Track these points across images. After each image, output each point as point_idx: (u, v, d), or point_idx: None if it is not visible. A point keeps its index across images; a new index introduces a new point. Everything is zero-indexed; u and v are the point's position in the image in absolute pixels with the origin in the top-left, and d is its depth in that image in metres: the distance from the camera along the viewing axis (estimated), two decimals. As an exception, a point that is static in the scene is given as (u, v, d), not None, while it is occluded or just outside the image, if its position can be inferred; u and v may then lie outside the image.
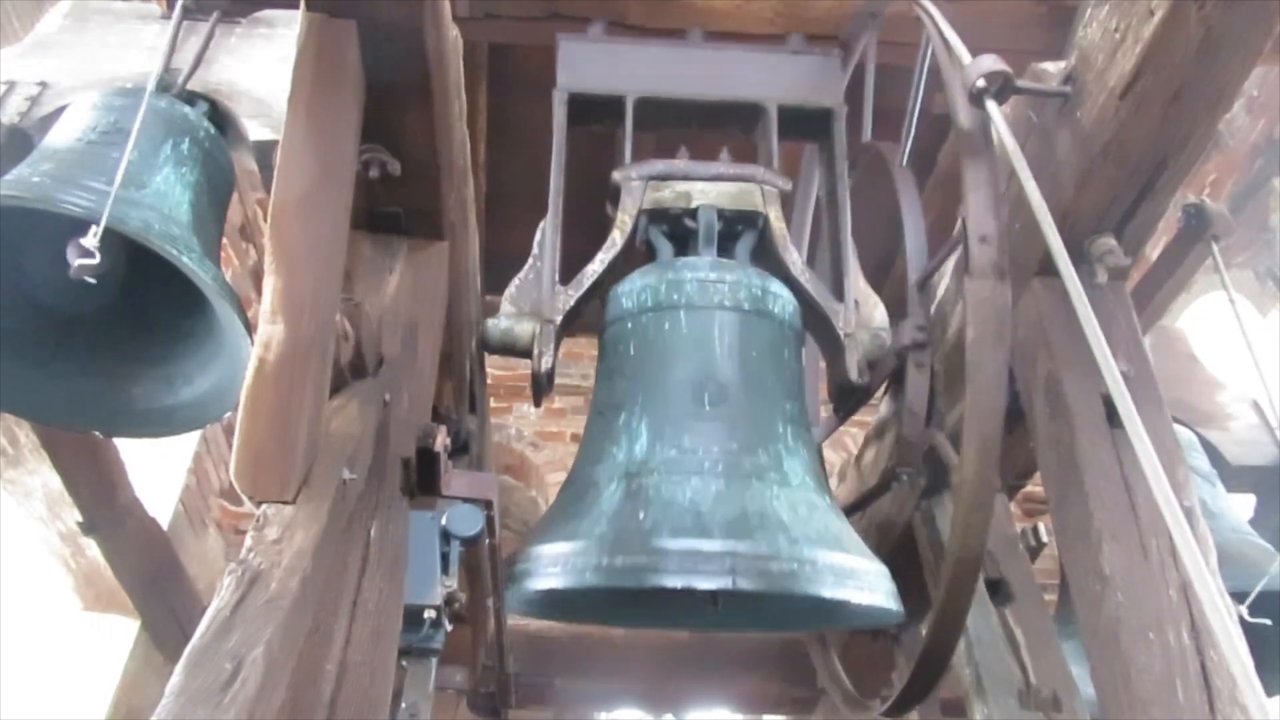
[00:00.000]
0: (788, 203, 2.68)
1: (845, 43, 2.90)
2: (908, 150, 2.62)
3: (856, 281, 2.54)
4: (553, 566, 1.96)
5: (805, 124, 2.76)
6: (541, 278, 2.45)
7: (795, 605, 2.22)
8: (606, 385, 2.32)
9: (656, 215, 2.54)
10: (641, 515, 1.97)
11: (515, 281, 2.46)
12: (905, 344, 2.39)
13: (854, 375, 2.38)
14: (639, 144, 2.64)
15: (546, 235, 2.50)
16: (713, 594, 2.00)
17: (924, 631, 2.09)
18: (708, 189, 2.54)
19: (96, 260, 1.71)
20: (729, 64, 2.79)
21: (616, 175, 2.56)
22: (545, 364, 2.33)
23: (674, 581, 1.86)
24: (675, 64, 2.78)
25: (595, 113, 2.72)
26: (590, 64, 2.74)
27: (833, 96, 2.77)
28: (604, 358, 2.38)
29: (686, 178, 2.55)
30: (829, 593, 1.89)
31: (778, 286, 2.38)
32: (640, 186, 2.54)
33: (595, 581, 1.91)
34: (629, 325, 2.32)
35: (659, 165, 2.57)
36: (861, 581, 1.94)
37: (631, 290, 2.36)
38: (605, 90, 2.70)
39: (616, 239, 2.50)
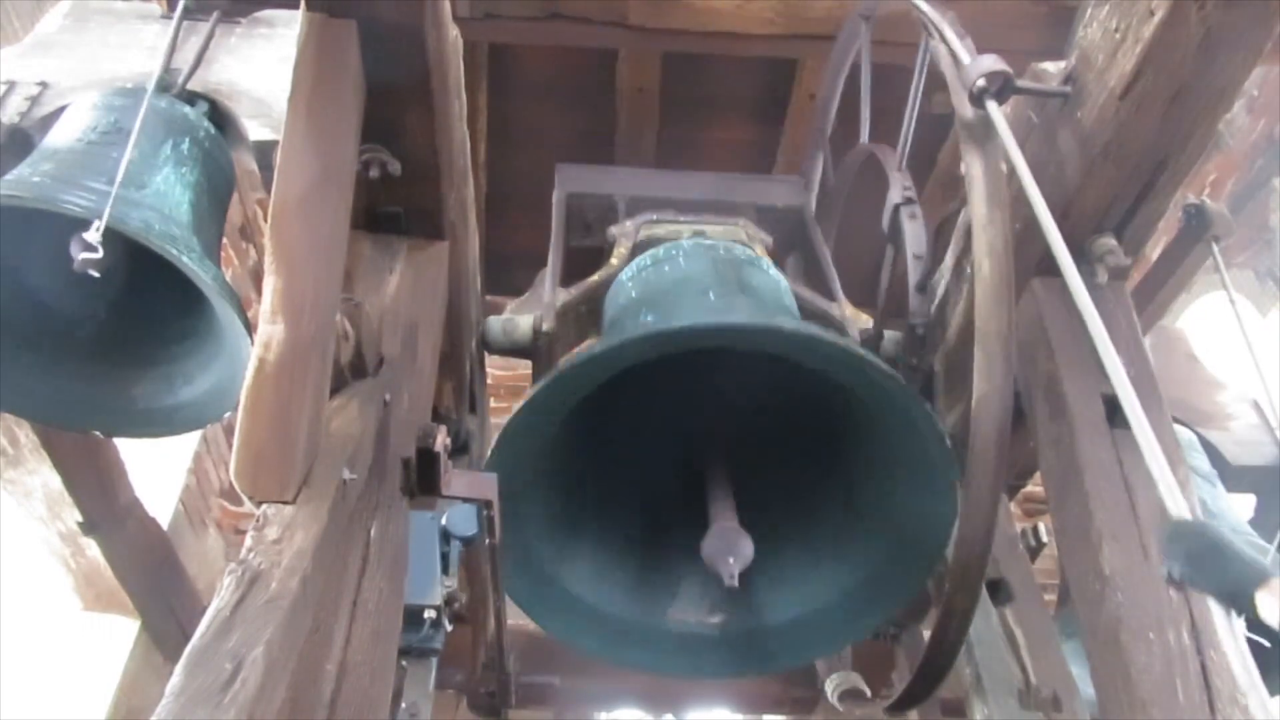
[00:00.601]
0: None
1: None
2: (906, 148, 2.62)
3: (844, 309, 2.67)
4: (568, 361, 2.07)
5: (779, 222, 3.05)
6: (542, 294, 2.60)
7: (805, 615, 2.23)
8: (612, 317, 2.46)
9: (650, 245, 2.67)
10: (651, 317, 2.23)
11: (512, 305, 2.56)
12: (897, 202, 2.46)
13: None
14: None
15: (546, 278, 2.67)
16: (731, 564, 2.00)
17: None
18: (697, 226, 2.78)
19: (100, 254, 1.71)
20: (709, 181, 3.16)
21: (613, 230, 2.78)
22: (546, 325, 2.44)
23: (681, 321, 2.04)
24: (664, 179, 3.15)
25: (590, 212, 2.98)
26: (586, 177, 3.09)
27: (799, 200, 3.15)
28: (608, 314, 2.50)
29: (676, 221, 2.81)
30: (804, 329, 1.98)
31: (768, 261, 2.55)
32: (634, 228, 2.78)
33: (604, 354, 1.94)
34: (630, 283, 2.46)
35: (652, 215, 2.82)
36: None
37: (630, 267, 2.52)
38: (599, 191, 3.02)
39: (614, 263, 2.64)
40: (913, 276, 2.37)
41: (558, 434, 2.08)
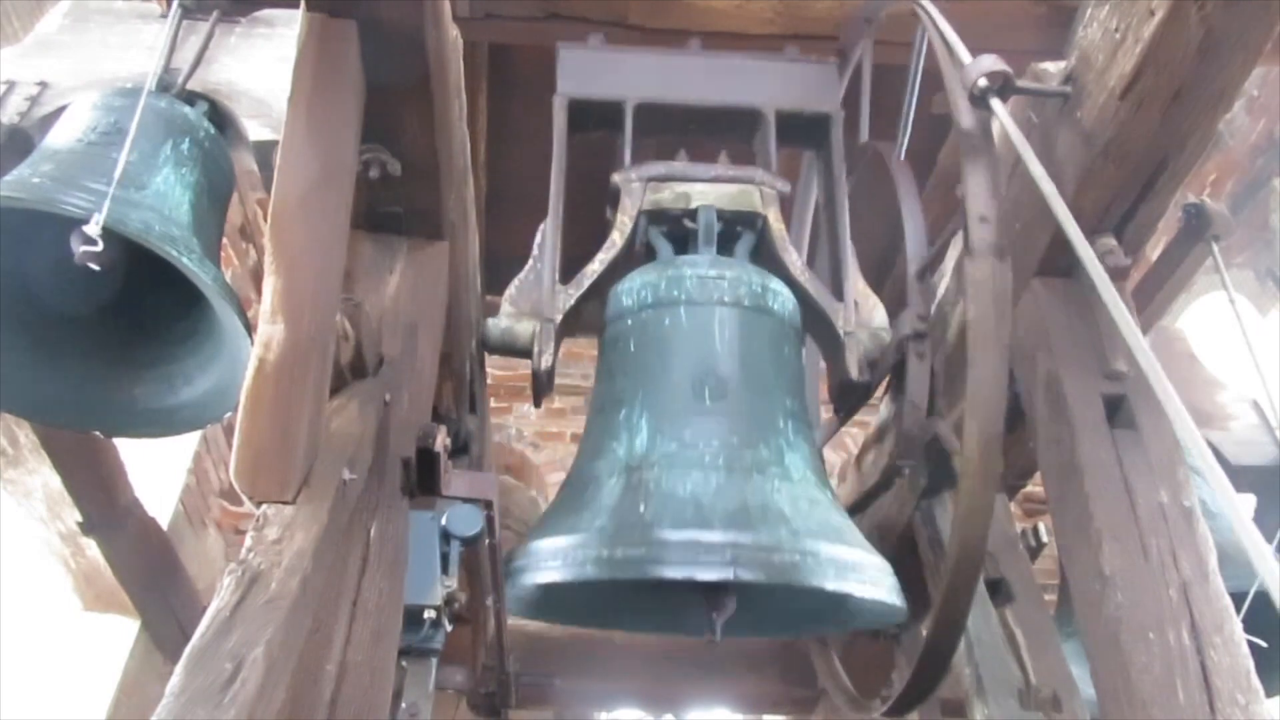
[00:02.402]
0: (787, 206, 2.68)
1: (842, 50, 2.91)
2: (904, 145, 2.62)
3: (856, 282, 2.55)
4: (552, 560, 1.94)
5: (803, 130, 2.78)
6: (541, 278, 2.46)
7: (798, 605, 2.22)
8: (607, 382, 2.32)
9: (656, 216, 2.55)
10: (642, 508, 1.96)
11: (515, 282, 2.47)
12: (906, 334, 2.37)
13: (854, 373, 2.38)
14: (638, 150, 2.65)
15: (546, 238, 2.51)
16: (712, 603, 1.98)
17: (924, 632, 2.09)
18: (707, 190, 2.55)
19: (100, 247, 1.71)
20: (727, 71, 2.81)
21: (616, 178, 2.57)
22: (545, 362, 2.33)
23: (674, 573, 1.85)
24: (674, 71, 2.80)
25: (595, 118, 2.73)
26: (590, 70, 2.76)
27: (830, 102, 2.79)
28: (604, 356, 2.38)
29: (686, 179, 2.56)
30: (831, 585, 1.87)
31: (777, 284, 2.38)
32: (640, 188, 2.55)
33: (595, 574, 1.90)
34: (629, 322, 2.32)
35: (659, 167, 2.58)
36: (864, 575, 1.92)
37: (631, 288, 2.37)
38: (604, 96, 2.72)
39: (616, 240, 2.51)
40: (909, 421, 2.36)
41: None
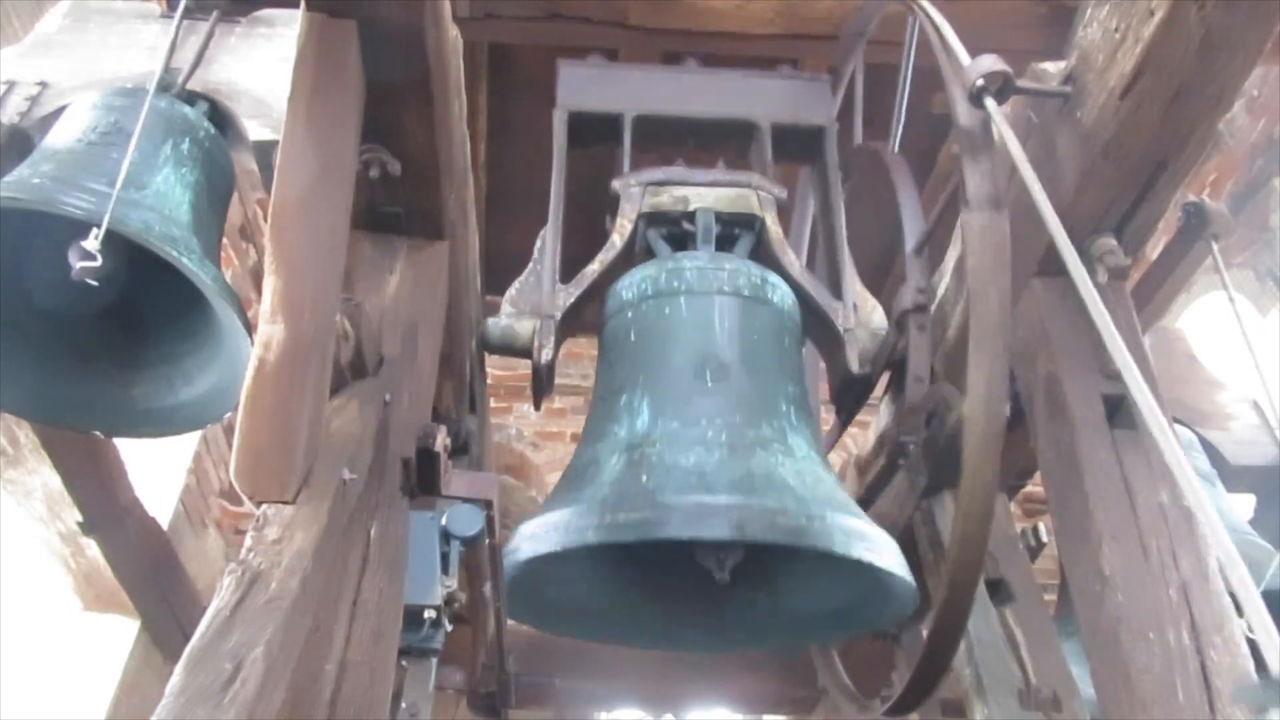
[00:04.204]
0: (785, 215, 2.71)
1: (836, 67, 2.94)
2: (898, 139, 2.63)
3: (854, 284, 2.56)
4: (552, 532, 1.88)
5: (798, 142, 2.83)
6: (541, 280, 2.48)
7: (803, 606, 2.22)
8: (607, 373, 2.32)
9: (655, 219, 2.56)
10: (644, 478, 1.92)
11: (515, 285, 2.49)
12: (906, 307, 2.37)
13: (854, 367, 2.39)
14: (636, 162, 2.68)
15: (546, 243, 2.53)
16: (721, 563, 1.93)
17: (924, 632, 2.09)
18: (705, 193, 2.57)
19: (98, 263, 1.71)
20: (724, 85, 2.89)
21: (616, 184, 2.60)
22: (545, 356, 2.34)
23: (679, 532, 1.80)
24: (672, 85, 2.87)
25: (594, 131, 2.77)
26: (589, 85, 2.82)
27: (824, 115, 2.85)
28: (605, 349, 2.39)
29: (684, 183, 2.59)
30: (840, 549, 1.81)
31: (775, 278, 2.39)
32: (639, 192, 2.58)
33: (595, 539, 1.83)
34: (629, 314, 2.32)
35: (657, 172, 2.61)
36: (871, 544, 1.87)
37: (631, 282, 2.37)
38: (604, 109, 2.77)
39: (616, 241, 2.52)
40: (912, 394, 2.34)
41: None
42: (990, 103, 1.77)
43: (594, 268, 2.48)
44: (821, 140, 2.80)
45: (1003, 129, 1.73)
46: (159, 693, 1.32)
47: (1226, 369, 3.08)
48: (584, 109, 2.76)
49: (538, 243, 2.55)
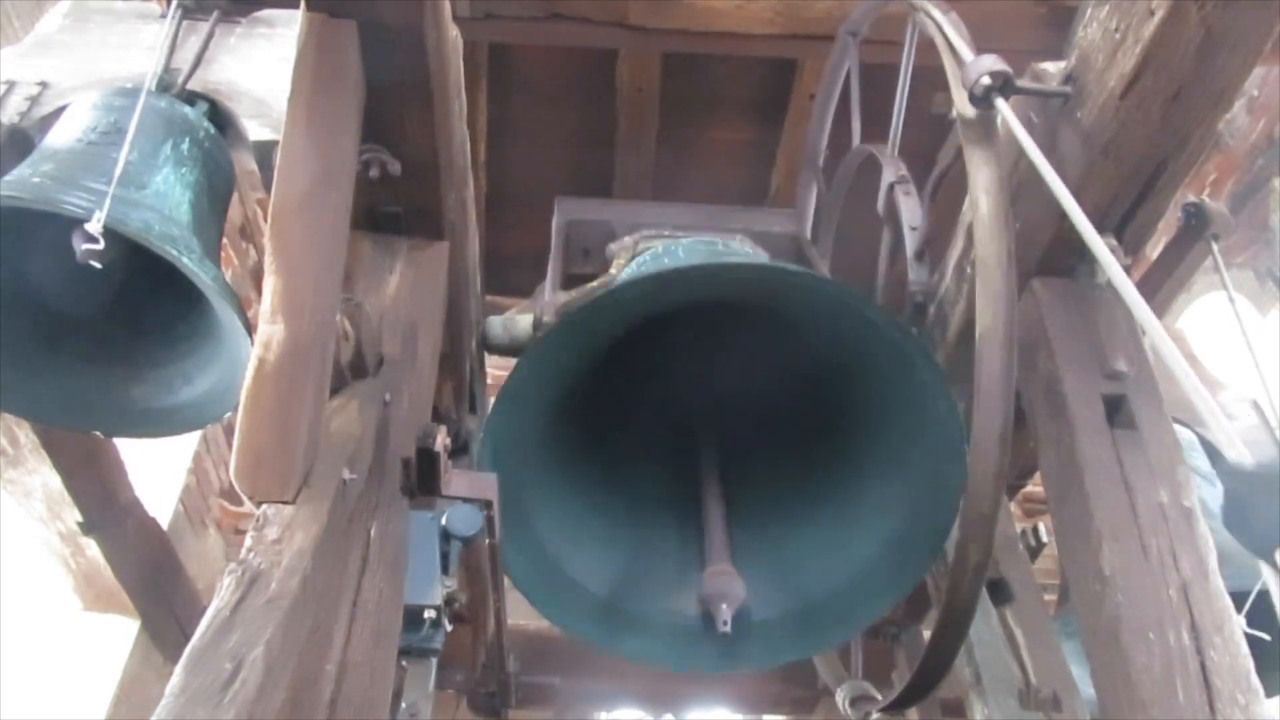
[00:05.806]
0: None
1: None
2: (896, 143, 2.63)
3: None
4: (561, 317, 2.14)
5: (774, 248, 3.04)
6: (544, 289, 2.65)
7: (809, 609, 2.23)
8: None
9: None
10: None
11: (509, 314, 2.58)
12: (890, 180, 2.50)
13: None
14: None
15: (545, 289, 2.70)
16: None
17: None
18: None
19: (101, 245, 1.71)
20: (706, 212, 3.14)
21: (611, 247, 2.82)
22: (547, 316, 2.47)
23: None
24: (659, 211, 3.15)
25: (589, 239, 3.00)
26: (584, 210, 3.10)
27: (795, 225, 3.16)
28: None
29: (675, 236, 2.82)
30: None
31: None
32: (633, 241, 2.82)
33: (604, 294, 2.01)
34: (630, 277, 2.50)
35: (648, 230, 2.87)
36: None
37: (630, 266, 2.57)
38: (597, 218, 3.05)
39: (614, 272, 2.67)
40: (910, 247, 2.41)
41: (559, 404, 2.12)
42: (1000, 102, 1.77)
43: (592, 285, 2.58)
44: (797, 241, 3.08)
45: (1013, 125, 1.73)
46: (159, 693, 1.32)
47: (1226, 369, 3.07)
48: (579, 218, 3.05)
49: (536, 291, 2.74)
